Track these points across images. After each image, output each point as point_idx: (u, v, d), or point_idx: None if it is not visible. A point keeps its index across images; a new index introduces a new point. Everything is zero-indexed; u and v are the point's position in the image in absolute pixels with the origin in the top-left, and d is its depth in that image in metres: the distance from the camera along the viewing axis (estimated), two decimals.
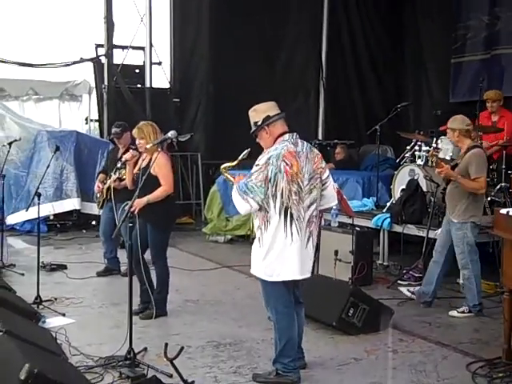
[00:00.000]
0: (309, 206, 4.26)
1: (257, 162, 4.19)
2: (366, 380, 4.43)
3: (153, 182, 5.51)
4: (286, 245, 4.19)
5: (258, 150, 4.40)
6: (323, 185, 4.40)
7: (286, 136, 4.29)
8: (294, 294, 4.43)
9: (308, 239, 4.28)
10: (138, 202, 5.27)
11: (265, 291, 4.37)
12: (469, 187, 5.73)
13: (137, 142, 5.75)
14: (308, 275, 4.38)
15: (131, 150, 5.87)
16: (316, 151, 4.43)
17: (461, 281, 6.30)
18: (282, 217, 4.17)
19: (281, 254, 4.20)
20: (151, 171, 5.34)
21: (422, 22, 12.24)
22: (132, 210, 4.86)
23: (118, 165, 6.09)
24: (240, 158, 4.48)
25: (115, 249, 7.41)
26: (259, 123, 4.29)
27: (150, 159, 5.60)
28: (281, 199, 4.15)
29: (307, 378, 4.47)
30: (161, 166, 5.53)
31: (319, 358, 4.83)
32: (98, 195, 7.25)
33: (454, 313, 5.92)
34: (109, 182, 6.89)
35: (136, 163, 5.86)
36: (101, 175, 7.35)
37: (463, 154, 5.85)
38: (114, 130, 7.28)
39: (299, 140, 4.34)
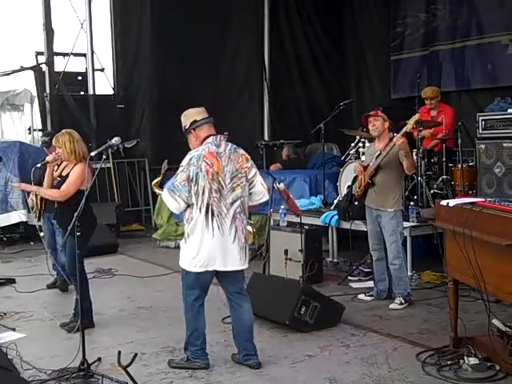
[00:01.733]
0: (232, 203, 4.56)
1: (181, 164, 4.52)
2: (320, 376, 4.50)
3: None
4: (206, 238, 4.51)
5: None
6: (250, 183, 4.67)
7: (210, 139, 4.59)
8: (231, 287, 4.71)
9: (235, 234, 4.57)
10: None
11: (182, 281, 4.70)
12: (413, 162, 6.06)
13: (56, 150, 5.79)
14: (237, 267, 4.64)
15: (54, 153, 5.85)
16: (241, 152, 4.69)
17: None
18: (203, 213, 4.49)
19: (200, 247, 4.51)
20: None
21: (361, 21, 12.52)
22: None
23: (38, 165, 6.02)
24: (162, 171, 4.77)
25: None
26: (187, 127, 4.62)
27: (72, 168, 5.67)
28: (202, 196, 4.47)
29: (262, 376, 4.53)
30: (72, 174, 5.59)
31: (273, 356, 4.89)
32: (34, 208, 7.04)
33: (394, 305, 6.06)
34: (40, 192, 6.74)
35: (58, 168, 5.87)
36: None
37: (385, 144, 5.97)
38: (42, 138, 7.20)
39: (223, 142, 4.62)
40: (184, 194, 4.46)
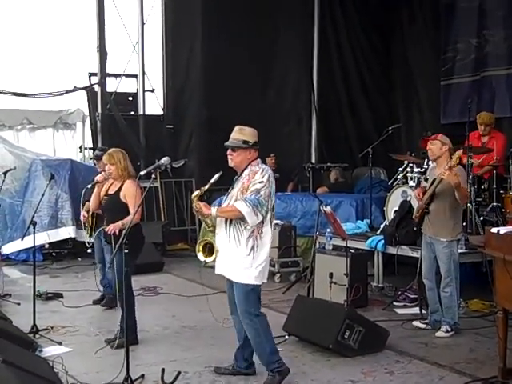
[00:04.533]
0: None
1: (259, 179, 4.57)
2: None
3: (122, 209, 5.64)
4: (268, 253, 4.72)
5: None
6: None
7: (260, 160, 4.76)
8: None
9: None
10: (114, 226, 5.51)
11: (247, 296, 4.66)
12: (465, 193, 5.80)
13: (106, 167, 5.83)
14: None
15: (103, 172, 5.92)
16: None
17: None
18: (271, 229, 4.71)
19: (267, 261, 4.72)
20: (121, 198, 5.64)
21: (411, 45, 12.46)
22: (109, 231, 5.44)
23: (89, 186, 6.12)
24: (212, 181, 4.67)
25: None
26: (250, 143, 4.67)
27: (121, 186, 5.73)
28: (271, 212, 4.68)
29: None
30: (131, 195, 5.64)
31: (316, 380, 4.84)
32: (86, 224, 7.17)
33: (440, 333, 5.92)
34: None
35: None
36: (86, 204, 7.28)
37: (445, 170, 5.69)
38: (96, 152, 7.31)
39: None
40: (264, 210, 4.55)
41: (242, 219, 4.54)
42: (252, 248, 4.59)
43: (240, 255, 4.61)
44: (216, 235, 4.75)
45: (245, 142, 4.67)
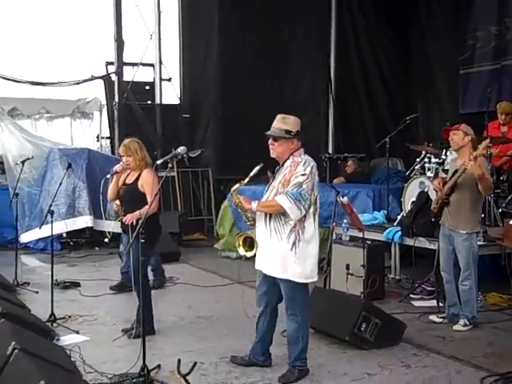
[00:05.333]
0: None
1: (301, 172, 4.44)
2: None
3: (140, 198, 5.61)
4: (316, 248, 4.60)
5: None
6: None
7: (302, 150, 4.59)
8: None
9: None
10: (132, 216, 5.48)
11: (294, 294, 4.59)
12: (489, 185, 5.71)
13: (124, 159, 5.79)
14: None
15: (121, 162, 5.89)
16: None
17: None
18: (315, 223, 4.55)
19: (313, 257, 4.58)
20: (139, 188, 5.63)
21: (429, 34, 12.31)
22: (126, 221, 5.44)
23: (108, 176, 6.11)
24: (252, 174, 4.59)
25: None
26: (293, 133, 4.53)
27: (138, 176, 5.70)
28: (314, 206, 4.53)
29: None
30: (149, 184, 5.61)
31: (332, 373, 4.83)
32: (119, 213, 7.16)
33: (458, 327, 5.87)
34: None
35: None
36: None
37: (469, 160, 5.59)
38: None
39: None
40: (307, 203, 4.43)
41: (283, 214, 4.44)
42: (294, 243, 4.48)
43: (282, 251, 4.50)
44: (257, 228, 4.65)
45: (287, 131, 4.53)
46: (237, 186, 4.65)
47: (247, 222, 4.75)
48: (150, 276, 6.80)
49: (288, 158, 4.55)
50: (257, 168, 4.56)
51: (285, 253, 4.50)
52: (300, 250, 4.49)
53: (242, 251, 4.72)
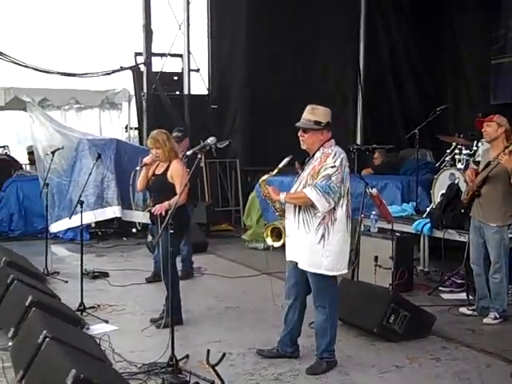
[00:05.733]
0: None
1: (331, 164, 4.40)
2: None
3: (169, 189, 5.62)
4: (345, 241, 4.57)
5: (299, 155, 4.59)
6: None
7: (333, 141, 4.56)
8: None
9: None
10: (161, 206, 5.48)
11: (322, 286, 4.58)
12: None
13: (153, 151, 5.76)
14: None
15: (151, 154, 5.89)
16: None
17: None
18: (345, 215, 4.49)
19: (342, 250, 4.55)
20: (168, 178, 5.62)
21: (460, 24, 12.13)
22: (155, 212, 5.43)
23: (137, 168, 6.11)
24: (281, 165, 4.60)
25: None
26: (323, 124, 4.49)
27: (168, 166, 5.70)
28: (346, 198, 4.49)
29: None
30: (178, 175, 5.62)
31: (360, 365, 4.81)
32: (148, 203, 7.13)
33: (488, 320, 5.80)
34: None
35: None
36: None
37: (498, 154, 5.55)
38: (175, 133, 7.25)
39: None
40: (337, 196, 4.40)
41: (312, 206, 4.42)
42: (322, 236, 4.46)
43: (310, 243, 4.49)
44: (286, 220, 4.64)
45: (316, 122, 4.50)
46: (266, 176, 4.65)
47: (276, 212, 4.74)
48: (179, 266, 6.84)
49: (318, 150, 4.52)
50: (286, 159, 4.56)
51: (313, 245, 4.49)
52: (329, 243, 4.47)
53: (269, 241, 4.74)
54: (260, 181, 4.69)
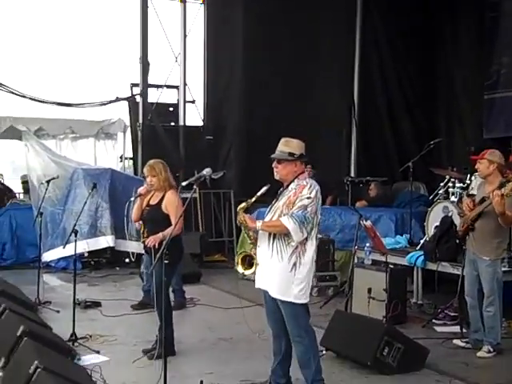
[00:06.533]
0: None
1: (307, 195, 4.51)
2: None
3: (163, 219, 5.64)
4: (311, 271, 4.67)
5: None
6: None
7: (306, 174, 4.73)
8: None
9: None
10: (155, 238, 5.50)
11: (295, 315, 4.60)
12: (510, 221, 5.60)
13: (148, 179, 5.82)
14: None
15: (145, 185, 5.92)
16: None
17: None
18: (315, 244, 4.61)
19: (310, 279, 4.66)
20: (163, 209, 5.66)
21: (454, 60, 12.30)
22: (149, 244, 5.47)
23: (132, 198, 6.14)
24: (259, 194, 4.67)
25: None
26: (296, 155, 4.61)
27: (162, 197, 5.72)
28: (316, 228, 4.59)
29: None
30: (172, 205, 5.65)
31: None
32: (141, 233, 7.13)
33: (482, 353, 5.78)
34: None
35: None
36: None
37: (494, 189, 5.58)
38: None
39: None
40: (310, 226, 4.50)
41: (286, 235, 4.49)
42: (294, 264, 4.53)
43: (282, 271, 4.55)
44: (257, 247, 4.69)
45: (290, 154, 4.61)
46: (243, 204, 4.71)
47: (249, 240, 4.80)
48: (171, 297, 6.81)
49: (293, 181, 4.62)
50: (264, 188, 4.67)
51: (284, 274, 4.55)
52: (300, 271, 4.55)
53: (240, 269, 4.74)
54: (238, 208, 4.74)
